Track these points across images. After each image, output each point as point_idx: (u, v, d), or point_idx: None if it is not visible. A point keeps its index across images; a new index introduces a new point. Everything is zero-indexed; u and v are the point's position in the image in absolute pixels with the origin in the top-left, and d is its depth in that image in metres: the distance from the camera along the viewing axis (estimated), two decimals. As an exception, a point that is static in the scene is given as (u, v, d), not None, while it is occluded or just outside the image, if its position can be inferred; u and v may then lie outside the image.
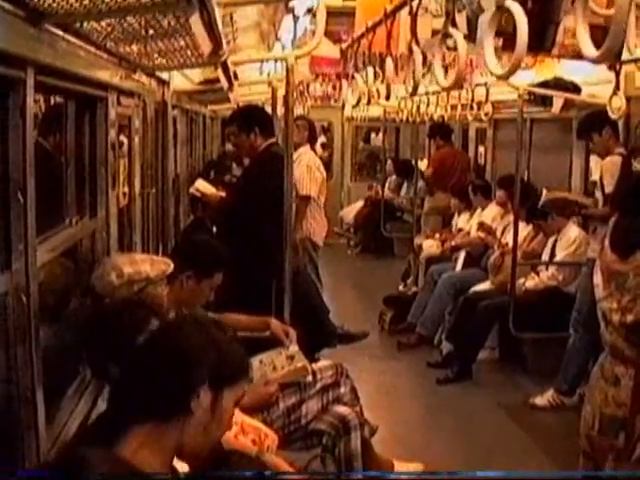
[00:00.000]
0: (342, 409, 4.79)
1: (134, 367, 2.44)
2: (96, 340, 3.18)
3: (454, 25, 3.20)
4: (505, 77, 2.68)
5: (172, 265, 4.01)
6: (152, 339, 2.52)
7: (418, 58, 3.72)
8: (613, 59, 2.68)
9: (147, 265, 3.83)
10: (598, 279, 3.93)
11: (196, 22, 2.58)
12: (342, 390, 4.94)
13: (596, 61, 2.15)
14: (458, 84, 3.46)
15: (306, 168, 8.76)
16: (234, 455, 3.24)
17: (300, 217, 8.67)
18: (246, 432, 3.94)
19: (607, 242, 3.90)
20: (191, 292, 4.48)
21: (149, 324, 3.12)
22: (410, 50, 3.80)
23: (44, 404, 2.95)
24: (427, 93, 8.79)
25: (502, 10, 2.58)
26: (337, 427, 4.68)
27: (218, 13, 2.60)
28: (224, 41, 3.17)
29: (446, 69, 3.77)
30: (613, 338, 3.80)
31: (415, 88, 3.96)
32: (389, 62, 4.44)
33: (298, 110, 12.27)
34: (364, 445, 4.87)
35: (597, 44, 2.27)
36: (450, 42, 3.35)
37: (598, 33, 2.39)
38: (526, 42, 2.37)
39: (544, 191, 7.37)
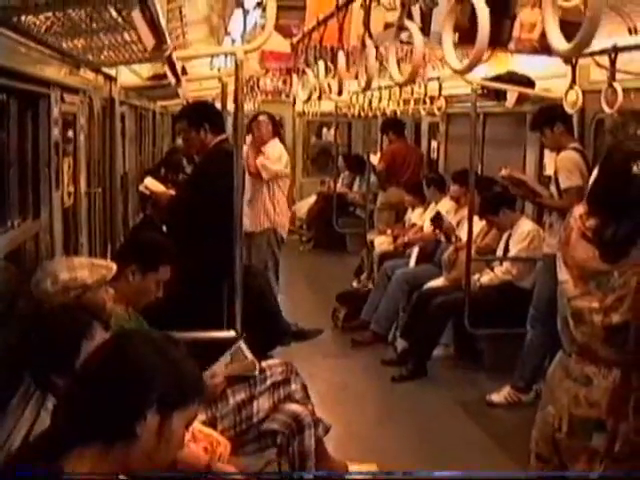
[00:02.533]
0: (295, 407, 4.77)
1: (77, 385, 2.33)
2: (36, 349, 3.06)
3: (410, 17, 3.11)
4: (465, 72, 2.59)
5: (114, 269, 3.89)
6: (100, 355, 2.38)
7: (371, 52, 3.63)
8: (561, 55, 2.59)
9: (85, 271, 3.69)
10: (565, 275, 3.84)
11: (137, 17, 2.46)
12: (293, 387, 4.91)
13: (567, 55, 2.07)
14: (413, 79, 3.37)
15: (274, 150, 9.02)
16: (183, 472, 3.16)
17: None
18: (198, 439, 3.85)
19: (574, 236, 3.80)
20: (137, 288, 4.41)
21: (91, 329, 3.01)
22: (363, 44, 3.71)
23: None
24: (379, 88, 8.74)
25: (459, 2, 2.48)
26: (290, 426, 4.65)
27: (160, 7, 2.49)
28: (167, 36, 3.06)
29: (398, 63, 3.66)
30: (586, 338, 3.71)
31: (369, 83, 3.87)
32: (341, 56, 4.35)
33: (248, 106, 12.20)
34: (317, 445, 4.82)
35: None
36: (403, 36, 3.27)
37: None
38: (487, 35, 2.28)
39: (502, 169, 7.29)
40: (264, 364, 4.87)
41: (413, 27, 2.98)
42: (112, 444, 2.21)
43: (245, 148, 8.94)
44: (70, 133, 4.79)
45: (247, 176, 8.95)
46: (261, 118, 9.03)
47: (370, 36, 3.65)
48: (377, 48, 3.91)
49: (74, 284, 3.61)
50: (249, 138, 9.22)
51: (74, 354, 2.84)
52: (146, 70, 7.20)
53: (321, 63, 5.00)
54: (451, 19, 2.58)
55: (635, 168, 3.56)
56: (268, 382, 4.77)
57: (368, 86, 3.94)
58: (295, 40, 6.39)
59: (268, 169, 8.83)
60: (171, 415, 2.25)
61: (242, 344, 4.87)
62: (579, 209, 3.81)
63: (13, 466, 2.34)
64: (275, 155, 9.00)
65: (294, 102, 9.95)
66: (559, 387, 3.85)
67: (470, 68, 2.52)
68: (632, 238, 3.55)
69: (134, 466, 2.27)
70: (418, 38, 2.91)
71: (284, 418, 4.67)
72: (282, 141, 9.57)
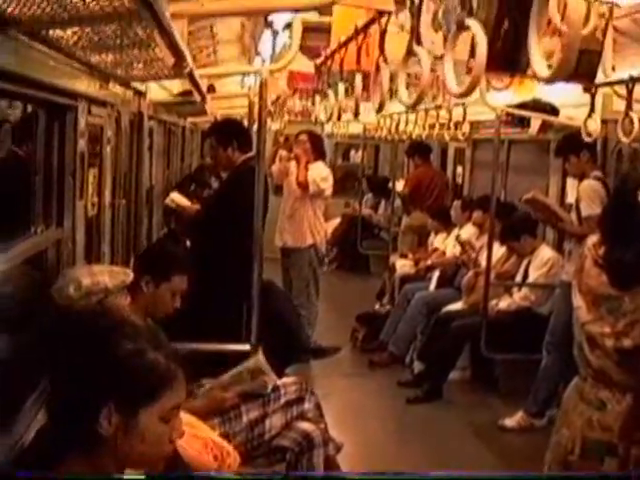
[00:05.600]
0: (306, 425, 4.78)
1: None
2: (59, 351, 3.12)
3: (419, 43, 3.19)
4: (463, 96, 2.67)
5: (132, 275, 3.97)
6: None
7: (386, 76, 3.72)
8: (580, 83, 2.68)
9: (105, 276, 3.79)
10: (579, 301, 3.90)
11: (157, 36, 2.55)
12: (306, 406, 4.91)
13: (548, 81, 2.14)
14: (419, 102, 3.45)
15: (322, 171, 9.18)
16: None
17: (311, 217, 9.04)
18: (210, 448, 3.91)
19: (587, 264, 3.87)
20: (152, 299, 4.42)
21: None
22: (377, 67, 3.80)
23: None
24: (406, 111, 8.80)
25: (464, 28, 2.57)
26: (300, 444, 4.66)
27: (177, 28, 2.57)
28: (187, 54, 3.15)
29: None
30: (601, 362, 3.76)
31: (381, 105, 3.96)
32: (358, 79, 4.45)
33: (275, 125, 12.32)
34: (329, 462, 4.86)
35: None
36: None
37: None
38: (484, 61, 2.37)
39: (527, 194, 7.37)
40: (279, 382, 4.89)
41: (421, 52, 3.07)
42: (88, 449, 2.21)
43: (289, 164, 9.12)
44: (97, 145, 4.88)
45: (289, 192, 9.08)
46: (301, 137, 9.14)
47: (385, 60, 3.74)
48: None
49: (96, 288, 3.69)
50: (284, 153, 9.38)
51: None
52: (176, 86, 7.29)
53: (341, 85, 5.08)
54: (452, 43, 2.67)
55: None
56: (282, 400, 4.79)
57: (381, 108, 4.02)
58: (318, 62, 6.48)
59: (317, 185, 8.92)
60: (135, 412, 2.21)
61: (261, 357, 4.93)
62: (592, 238, 3.89)
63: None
64: (323, 174, 9.12)
65: (316, 122, 10.03)
66: (574, 410, 3.90)
67: (467, 93, 2.61)
68: None
69: (122, 469, 2.28)
70: (426, 63, 2.99)
71: (295, 436, 4.69)
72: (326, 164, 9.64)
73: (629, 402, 3.68)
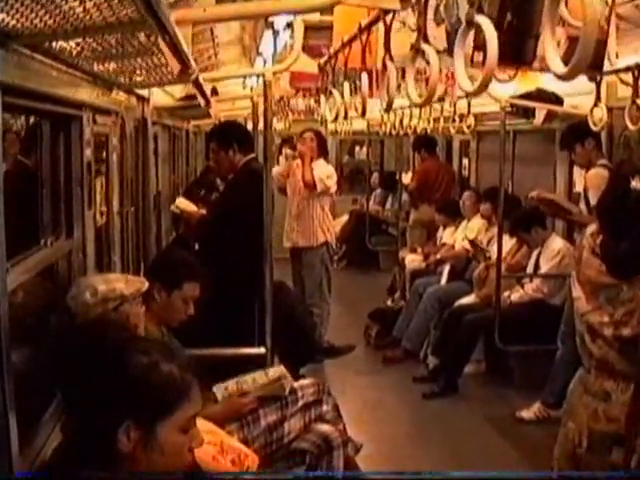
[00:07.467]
0: (325, 427, 4.75)
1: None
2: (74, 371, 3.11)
3: (426, 40, 3.17)
4: (476, 94, 2.64)
5: (147, 284, 3.96)
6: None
7: (392, 74, 3.69)
8: (585, 73, 2.65)
9: (121, 283, 3.78)
10: (578, 292, 3.89)
11: (162, 43, 2.53)
12: (324, 408, 4.89)
13: (565, 78, 2.11)
14: (430, 101, 3.42)
15: (326, 169, 9.18)
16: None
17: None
18: (225, 452, 3.89)
19: (585, 254, 3.86)
20: (165, 307, 4.46)
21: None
22: (384, 65, 3.77)
23: (19, 429, 2.86)
24: (410, 106, 8.77)
25: (474, 25, 2.53)
26: (320, 446, 4.64)
27: (181, 34, 2.55)
28: (192, 61, 3.13)
29: (426, 82, 3.72)
30: (603, 352, 3.76)
31: (390, 104, 3.93)
32: (364, 77, 4.41)
33: (280, 125, 12.29)
34: (349, 463, 4.84)
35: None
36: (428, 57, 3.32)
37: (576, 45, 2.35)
38: (496, 57, 2.33)
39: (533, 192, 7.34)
40: (296, 385, 4.87)
41: (429, 49, 3.04)
42: (108, 465, 2.21)
43: (293, 163, 9.13)
44: (103, 153, 4.87)
45: (294, 191, 9.07)
46: (306, 135, 9.12)
47: (391, 58, 3.71)
48: (404, 69, 3.96)
49: (113, 295, 3.67)
50: (289, 152, 9.39)
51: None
52: (178, 90, 7.28)
53: (346, 84, 5.04)
54: (462, 41, 2.64)
55: (634, 182, 3.61)
56: (300, 403, 4.77)
57: (389, 107, 4.00)
58: (322, 61, 6.44)
59: (324, 183, 8.92)
60: (153, 426, 2.22)
61: (283, 368, 4.91)
62: (591, 227, 3.88)
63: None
64: (327, 172, 9.12)
65: (322, 121, 9.94)
66: (579, 403, 3.89)
67: (481, 90, 2.58)
68: (638, 253, 3.60)
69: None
70: (435, 60, 2.97)
71: (314, 438, 4.67)
72: (328, 162, 9.61)
73: (633, 391, 3.67)
